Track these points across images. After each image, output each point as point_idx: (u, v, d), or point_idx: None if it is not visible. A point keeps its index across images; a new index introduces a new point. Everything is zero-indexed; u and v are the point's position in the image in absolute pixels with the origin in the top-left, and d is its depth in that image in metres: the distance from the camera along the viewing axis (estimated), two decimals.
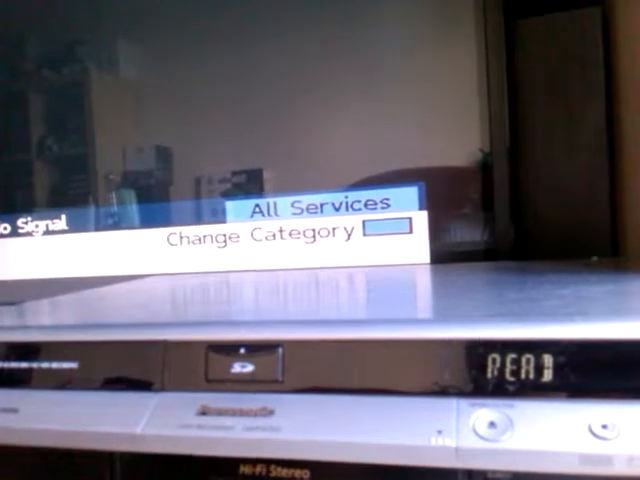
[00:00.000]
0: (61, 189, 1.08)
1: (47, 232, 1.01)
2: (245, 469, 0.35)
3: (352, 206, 0.87)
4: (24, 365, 0.40)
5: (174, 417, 0.35)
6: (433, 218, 0.83)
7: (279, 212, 0.90)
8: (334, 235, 0.87)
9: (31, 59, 1.10)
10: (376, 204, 0.85)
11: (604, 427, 0.30)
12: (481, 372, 0.33)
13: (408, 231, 0.84)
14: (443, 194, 0.86)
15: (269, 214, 0.90)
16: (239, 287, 0.74)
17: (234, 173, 0.96)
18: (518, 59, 0.81)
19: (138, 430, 0.35)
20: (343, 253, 0.87)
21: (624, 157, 0.79)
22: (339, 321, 0.39)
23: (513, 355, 0.33)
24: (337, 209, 0.87)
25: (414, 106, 0.88)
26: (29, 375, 0.40)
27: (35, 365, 0.40)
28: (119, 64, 1.04)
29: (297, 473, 0.34)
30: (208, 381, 0.37)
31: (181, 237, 0.94)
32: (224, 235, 0.92)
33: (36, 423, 0.38)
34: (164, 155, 1.02)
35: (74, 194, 1.06)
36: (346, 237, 0.87)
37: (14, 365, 0.41)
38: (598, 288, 0.48)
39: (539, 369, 0.32)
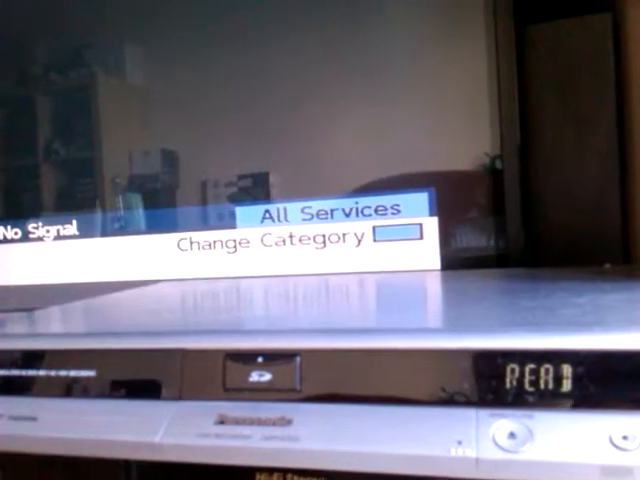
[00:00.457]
0: (68, 193, 1.09)
1: (58, 237, 1.01)
2: (262, 478, 0.35)
3: (362, 212, 0.87)
4: (42, 373, 0.41)
5: (192, 426, 0.36)
6: (443, 224, 0.83)
7: (289, 218, 0.90)
8: (344, 241, 0.87)
9: (38, 63, 1.10)
10: (386, 210, 0.85)
11: (625, 438, 0.30)
12: (500, 382, 0.33)
13: (419, 237, 0.84)
14: (453, 199, 0.86)
15: (279, 220, 0.90)
16: (251, 293, 0.74)
17: (240, 177, 0.97)
18: (528, 64, 0.81)
19: (156, 439, 0.35)
20: (353, 259, 0.87)
21: (635, 162, 0.79)
22: (357, 330, 0.39)
23: (532, 365, 0.33)
24: (347, 215, 0.87)
25: (423, 110, 0.87)
26: (47, 383, 0.40)
27: (53, 373, 0.40)
28: (126, 68, 1.04)
29: None
30: (226, 390, 0.37)
31: (191, 242, 0.94)
32: (234, 241, 0.92)
33: (54, 431, 0.38)
34: (170, 159, 1.02)
35: (81, 198, 1.06)
36: (356, 243, 0.87)
37: (32, 373, 0.41)
38: (613, 296, 0.48)
39: (558, 379, 0.32)
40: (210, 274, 0.92)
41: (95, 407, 0.39)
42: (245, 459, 0.34)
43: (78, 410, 0.39)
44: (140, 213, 1.01)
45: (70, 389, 0.40)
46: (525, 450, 0.30)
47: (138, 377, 0.39)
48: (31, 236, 1.03)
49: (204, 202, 0.97)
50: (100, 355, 0.40)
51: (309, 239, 0.89)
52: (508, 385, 0.33)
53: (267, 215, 0.91)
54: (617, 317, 0.41)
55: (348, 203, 0.87)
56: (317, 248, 0.88)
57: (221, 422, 0.35)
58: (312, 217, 0.89)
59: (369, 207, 0.86)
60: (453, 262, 0.82)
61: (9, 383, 0.41)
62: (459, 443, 0.31)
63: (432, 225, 0.83)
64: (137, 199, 1.02)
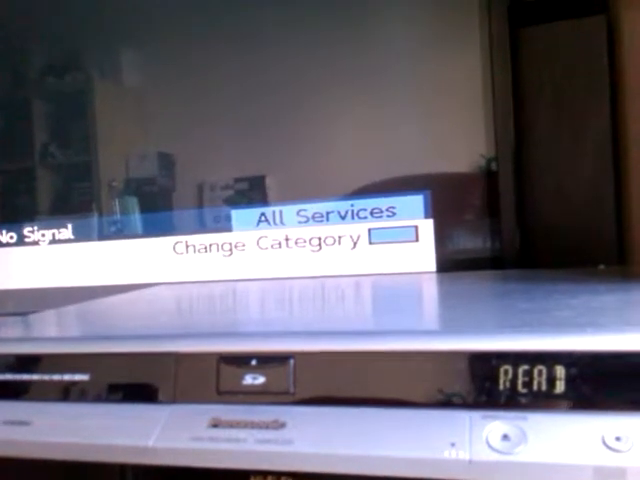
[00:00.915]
0: (65, 197, 1.08)
1: (53, 241, 1.01)
2: None
3: (358, 214, 0.87)
4: (35, 377, 0.41)
5: (185, 429, 0.35)
6: (439, 226, 0.83)
7: (285, 221, 0.90)
8: (340, 243, 0.87)
9: (35, 67, 1.10)
10: (382, 212, 0.86)
11: (617, 439, 0.30)
12: (493, 384, 0.33)
13: (414, 239, 0.84)
14: (449, 201, 0.86)
15: (275, 222, 0.90)
16: (247, 296, 0.74)
17: (237, 180, 0.97)
18: (523, 66, 0.81)
19: (150, 443, 0.35)
20: (349, 261, 0.87)
21: (630, 164, 0.80)
22: (351, 332, 0.39)
23: (525, 367, 0.33)
24: (343, 217, 0.87)
25: (418, 112, 0.88)
26: (40, 387, 0.40)
27: (46, 377, 0.40)
28: (122, 71, 1.05)
29: None
30: (219, 393, 0.37)
31: (187, 246, 0.94)
32: (230, 244, 0.92)
33: (48, 436, 0.38)
34: (166, 162, 1.02)
35: (78, 202, 1.06)
36: (352, 245, 0.87)
37: (25, 377, 0.41)
38: (608, 297, 0.48)
39: (551, 381, 0.32)
40: (206, 277, 0.92)
41: (89, 411, 0.39)
42: (239, 462, 0.34)
43: (72, 414, 0.39)
44: (136, 217, 1.01)
45: (64, 393, 0.40)
46: (518, 452, 0.30)
47: (132, 381, 0.39)
48: (27, 240, 1.03)
49: (200, 205, 0.97)
50: (94, 359, 0.40)
51: (305, 242, 0.89)
52: (501, 387, 0.33)
53: (263, 218, 0.91)
54: (610, 318, 0.41)
55: (343, 206, 0.87)
56: (313, 251, 0.88)
57: (215, 425, 0.35)
58: (308, 220, 0.89)
59: (364, 209, 0.86)
60: (449, 264, 0.82)
61: (2, 387, 0.41)
62: (452, 445, 0.31)
63: (427, 227, 0.84)
64: (133, 202, 1.02)
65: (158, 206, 1.01)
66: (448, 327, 0.44)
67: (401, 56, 0.87)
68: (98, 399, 0.39)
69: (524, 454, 0.30)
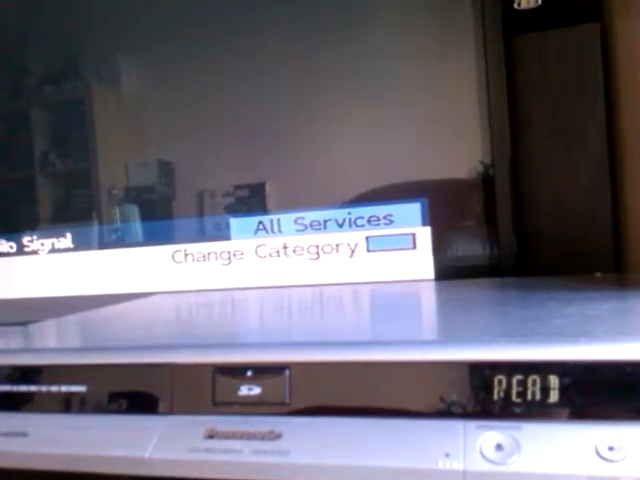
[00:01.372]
0: (65, 205, 1.09)
1: (53, 250, 1.02)
2: None
3: (355, 222, 0.87)
4: (33, 388, 0.41)
5: (182, 441, 0.36)
6: (436, 233, 0.83)
7: (283, 229, 0.90)
8: (338, 251, 0.87)
9: (33, 75, 1.10)
10: (379, 220, 0.86)
11: (610, 449, 0.30)
12: (487, 394, 0.33)
13: (411, 247, 0.84)
14: (446, 208, 0.86)
15: (273, 231, 0.91)
16: (244, 306, 0.74)
17: (237, 187, 0.97)
18: (517, 74, 0.82)
19: (146, 454, 0.35)
20: (347, 269, 0.87)
21: (626, 171, 0.80)
22: (345, 343, 0.39)
23: (519, 376, 0.33)
24: (340, 225, 0.87)
25: (415, 121, 0.88)
26: (38, 399, 0.40)
27: (44, 389, 0.40)
28: (121, 79, 1.05)
29: None
30: (215, 404, 0.37)
31: (186, 254, 0.94)
32: (228, 252, 0.92)
33: (45, 447, 0.38)
34: (166, 170, 1.02)
35: (78, 210, 1.06)
36: (350, 253, 0.87)
37: (23, 389, 0.41)
38: (603, 306, 0.48)
39: (545, 390, 0.32)
40: (204, 286, 0.93)
41: (86, 422, 0.39)
42: (235, 473, 0.34)
43: (69, 426, 0.39)
44: (137, 225, 1.01)
45: (61, 404, 0.40)
46: (512, 462, 0.30)
47: (128, 392, 0.39)
48: (26, 249, 1.03)
49: (200, 213, 0.98)
50: (90, 370, 0.40)
51: (303, 250, 0.89)
52: (496, 397, 0.33)
53: (261, 226, 0.91)
54: (605, 327, 0.41)
55: (341, 214, 0.87)
56: (311, 259, 0.89)
57: (211, 436, 0.35)
58: (305, 228, 0.89)
59: (362, 217, 0.86)
60: (446, 272, 0.83)
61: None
62: (447, 456, 0.31)
63: (425, 235, 0.84)
64: (134, 210, 1.02)
65: (158, 214, 1.01)
66: (443, 337, 0.44)
67: (397, 65, 0.88)
68: (95, 410, 0.39)
69: (517, 464, 0.30)
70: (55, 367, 0.41)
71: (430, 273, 0.83)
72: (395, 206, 0.85)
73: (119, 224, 1.02)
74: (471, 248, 0.85)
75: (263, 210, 0.93)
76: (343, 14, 0.91)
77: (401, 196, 0.85)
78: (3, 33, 1.08)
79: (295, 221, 0.89)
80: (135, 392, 0.39)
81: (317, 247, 0.88)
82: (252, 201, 0.95)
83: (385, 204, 0.86)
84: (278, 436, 0.34)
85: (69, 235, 1.01)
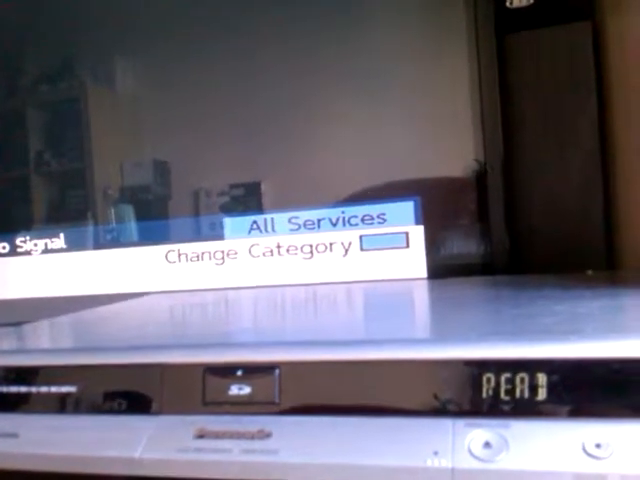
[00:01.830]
0: (59, 205, 1.08)
1: (46, 251, 1.01)
2: None
3: (349, 221, 0.87)
4: (23, 389, 0.41)
5: (172, 441, 0.36)
6: (429, 232, 0.84)
7: (276, 228, 0.90)
8: (331, 250, 0.87)
9: (28, 75, 1.10)
10: (373, 219, 0.86)
11: (598, 446, 0.30)
12: (476, 392, 0.33)
13: (405, 246, 0.84)
14: (439, 207, 0.86)
15: (266, 230, 0.91)
16: (237, 305, 0.74)
17: (232, 186, 0.97)
18: (510, 72, 0.82)
19: (136, 454, 0.35)
20: (340, 268, 0.87)
21: (618, 169, 0.80)
22: (335, 342, 0.39)
23: (507, 374, 0.33)
24: (334, 224, 0.88)
25: (407, 119, 0.88)
26: (29, 399, 0.40)
27: (34, 389, 0.40)
28: (115, 79, 1.05)
29: None
30: (205, 404, 0.37)
31: (179, 254, 0.94)
32: (222, 252, 0.92)
33: (36, 448, 0.38)
34: (162, 169, 1.02)
35: (72, 210, 1.06)
36: (343, 252, 0.87)
37: (13, 389, 0.41)
38: (593, 303, 0.48)
39: (533, 388, 0.32)
40: (198, 286, 0.93)
41: (76, 423, 0.39)
42: (225, 473, 0.34)
43: (59, 426, 0.39)
44: (131, 225, 1.01)
45: (51, 405, 0.40)
46: (500, 460, 0.31)
47: (118, 392, 0.39)
48: (19, 250, 1.03)
49: (195, 213, 0.98)
50: (81, 371, 0.40)
51: (296, 249, 0.89)
52: (484, 395, 0.33)
53: (255, 226, 0.91)
54: (594, 325, 0.41)
55: (335, 213, 0.87)
56: (304, 258, 0.89)
57: (200, 436, 0.35)
58: (299, 227, 0.89)
59: (356, 216, 0.87)
60: (439, 270, 0.83)
61: None
62: (435, 454, 0.31)
63: (418, 234, 0.84)
64: (129, 211, 1.02)
65: (153, 214, 1.01)
66: (432, 335, 0.44)
67: (389, 64, 0.88)
68: (85, 411, 0.39)
69: (505, 462, 0.30)
70: (45, 368, 0.41)
71: (423, 272, 0.83)
72: (388, 205, 0.85)
73: (113, 224, 1.01)
74: (464, 246, 0.85)
75: (257, 209, 0.93)
76: (336, 13, 0.91)
77: (394, 195, 0.85)
78: None
79: (289, 220, 0.89)
80: (125, 392, 0.39)
81: (311, 246, 0.88)
82: (247, 200, 0.95)
83: (378, 203, 0.86)
84: (268, 435, 0.35)
85: (62, 235, 1.01)
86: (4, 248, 1.04)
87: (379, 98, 0.89)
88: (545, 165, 0.81)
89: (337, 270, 0.87)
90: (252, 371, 0.37)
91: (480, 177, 0.83)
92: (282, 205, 0.91)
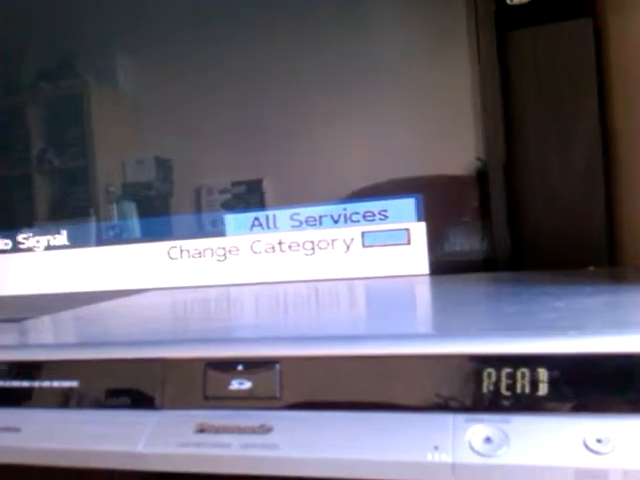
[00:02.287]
0: (61, 202, 1.09)
1: (48, 247, 1.02)
2: None
3: (351, 218, 0.87)
4: (25, 384, 0.41)
5: (173, 435, 0.36)
6: (431, 228, 0.84)
7: (278, 225, 0.90)
8: (333, 247, 0.87)
9: (29, 72, 1.10)
10: (374, 215, 0.86)
11: (599, 441, 0.30)
12: (477, 387, 0.33)
13: (406, 242, 0.84)
14: (441, 204, 0.86)
15: (268, 227, 0.91)
16: (238, 302, 0.74)
17: (234, 183, 0.97)
18: (511, 70, 0.82)
19: (138, 449, 0.36)
20: (342, 265, 0.87)
21: (619, 166, 0.80)
22: (335, 337, 0.39)
23: (508, 369, 0.33)
24: (336, 221, 0.88)
25: (409, 117, 0.88)
26: (31, 394, 0.40)
27: (36, 384, 0.40)
28: (117, 76, 1.05)
29: None
30: (206, 398, 0.37)
31: (181, 251, 0.94)
32: (224, 248, 0.92)
33: (38, 442, 0.38)
34: (164, 166, 1.02)
35: (75, 207, 1.06)
36: (345, 249, 0.87)
37: (15, 384, 0.41)
38: (594, 300, 0.48)
39: (534, 383, 0.32)
40: (200, 282, 0.93)
41: (78, 417, 0.39)
42: (225, 467, 0.34)
43: (61, 421, 0.39)
44: (134, 222, 1.01)
45: (53, 400, 0.40)
46: (501, 454, 0.31)
47: (120, 387, 0.39)
48: (21, 247, 1.03)
49: (197, 210, 0.98)
50: (82, 365, 0.40)
51: (298, 246, 0.89)
52: (485, 390, 0.33)
53: (256, 222, 0.91)
54: (595, 320, 0.41)
55: (336, 209, 0.87)
56: (306, 255, 0.89)
57: (201, 431, 0.36)
58: (301, 224, 0.89)
59: (357, 213, 0.87)
60: (441, 267, 0.83)
61: None
62: (436, 448, 0.31)
63: (420, 230, 0.84)
64: (131, 207, 1.02)
65: (155, 211, 1.01)
66: (433, 331, 0.44)
67: (390, 61, 0.88)
68: (87, 405, 0.39)
69: (506, 457, 0.30)
70: (47, 362, 0.41)
71: (425, 268, 0.83)
72: (390, 201, 0.85)
73: (115, 221, 1.02)
74: (465, 243, 0.85)
75: (259, 206, 0.93)
76: (337, 11, 0.91)
77: (396, 192, 0.85)
78: (0, 30, 1.07)
79: (291, 217, 0.89)
80: (127, 387, 0.39)
81: (313, 243, 0.88)
82: (249, 197, 0.95)
83: (380, 200, 0.86)
84: (268, 430, 0.35)
85: (64, 232, 1.01)
86: (7, 245, 1.04)
87: (380, 95, 0.89)
88: (547, 161, 0.80)
89: (339, 266, 0.87)
90: (253, 366, 0.37)
91: (482, 174, 0.82)
92: (284, 202, 0.91)
